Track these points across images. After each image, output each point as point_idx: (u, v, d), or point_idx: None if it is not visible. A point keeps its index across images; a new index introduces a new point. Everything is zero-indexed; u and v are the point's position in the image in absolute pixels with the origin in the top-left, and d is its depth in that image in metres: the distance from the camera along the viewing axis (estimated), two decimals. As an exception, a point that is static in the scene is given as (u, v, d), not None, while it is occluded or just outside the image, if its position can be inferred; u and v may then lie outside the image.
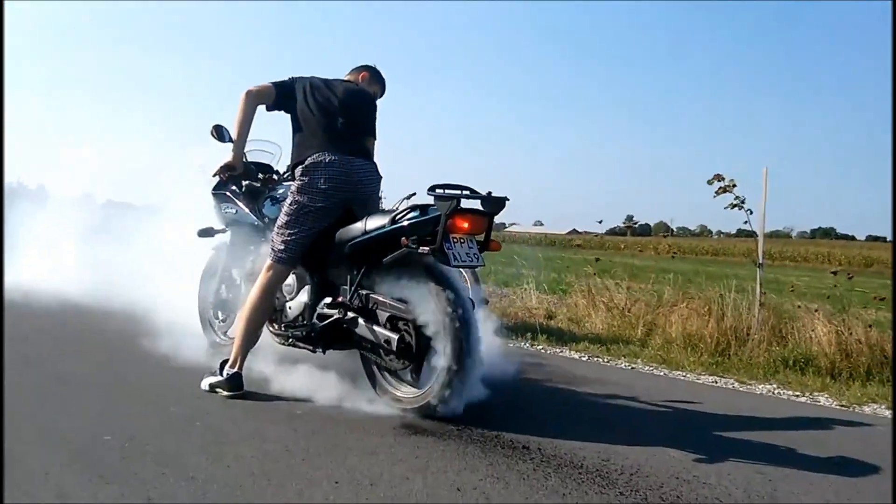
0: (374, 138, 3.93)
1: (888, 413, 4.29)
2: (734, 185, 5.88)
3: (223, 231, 4.52)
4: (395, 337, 3.35)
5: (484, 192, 3.37)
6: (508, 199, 3.45)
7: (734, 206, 5.91)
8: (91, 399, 3.46)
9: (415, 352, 3.35)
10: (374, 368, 3.58)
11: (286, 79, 3.85)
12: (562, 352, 5.74)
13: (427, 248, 3.24)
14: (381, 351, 3.45)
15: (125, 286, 5.73)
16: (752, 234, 6.12)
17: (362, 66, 4.15)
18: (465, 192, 3.30)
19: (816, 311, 5.85)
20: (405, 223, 3.35)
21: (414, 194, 4.49)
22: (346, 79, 4.06)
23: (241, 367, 3.65)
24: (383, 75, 4.20)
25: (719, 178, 5.95)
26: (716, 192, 5.94)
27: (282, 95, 3.80)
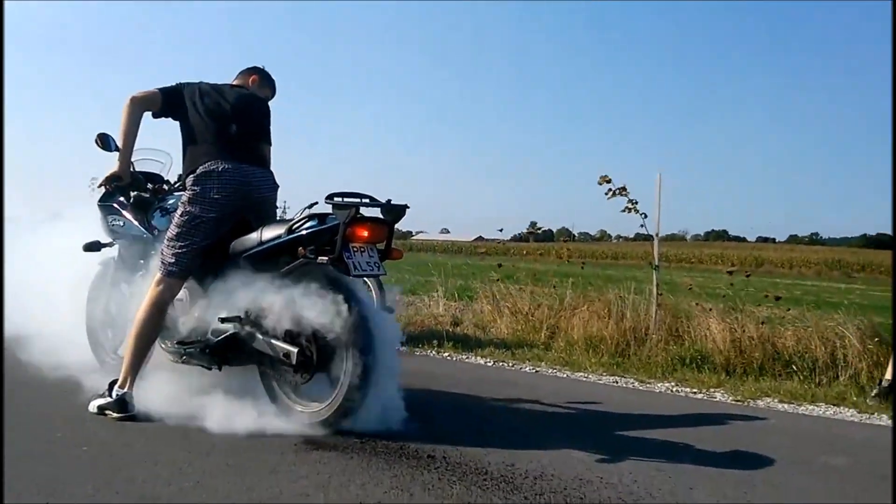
0: (270, 144, 3.82)
1: (781, 406, 4.48)
2: (625, 190, 6.06)
3: (111, 244, 4.30)
4: (294, 350, 3.25)
5: (383, 200, 3.33)
6: (409, 207, 3.41)
7: (628, 209, 6.09)
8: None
9: (315, 365, 3.27)
10: (274, 384, 3.46)
11: (173, 84, 3.69)
12: (468, 358, 5.75)
13: (326, 258, 3.16)
14: (281, 365, 3.35)
15: (7, 304, 5.36)
16: (649, 238, 6.31)
17: (251, 69, 3.98)
18: (364, 200, 3.25)
19: (710, 310, 6.08)
20: (303, 232, 3.27)
21: (316, 203, 4.38)
22: (235, 83, 3.92)
23: (131, 387, 3.46)
24: (273, 77, 4.05)
25: (606, 179, 6.11)
26: (606, 194, 6.11)
27: (169, 102, 3.64)
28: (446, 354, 5.86)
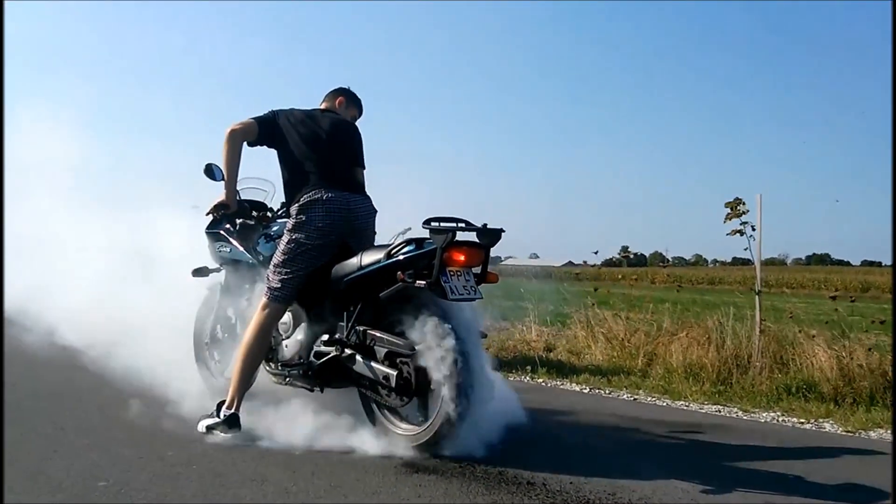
0: (364, 168, 3.91)
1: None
2: (746, 211, 5.83)
3: (217, 270, 4.48)
4: (393, 373, 3.29)
5: (479, 224, 3.35)
6: (504, 231, 3.42)
7: (739, 232, 5.88)
8: (85, 444, 3.37)
9: (414, 388, 3.30)
10: (374, 406, 3.52)
11: (267, 113, 3.80)
12: (562, 384, 5.68)
13: (423, 283, 3.20)
14: (380, 388, 3.40)
15: (119, 331, 5.65)
16: (747, 262, 6.08)
17: (337, 91, 4.06)
18: (460, 225, 3.27)
19: (814, 336, 5.81)
20: (401, 257, 3.32)
21: (409, 229, 4.44)
22: (323, 107, 4.02)
23: (237, 408, 3.58)
24: (359, 96, 4.13)
25: (738, 202, 5.88)
26: (727, 218, 5.91)
27: (265, 131, 3.76)
28: (540, 380, 5.81)
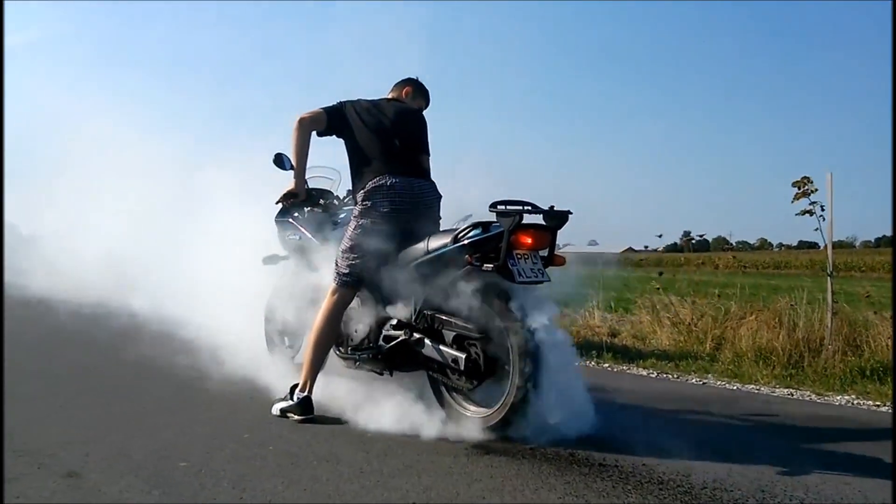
0: (429, 155, 3.94)
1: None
2: (814, 190, 5.67)
3: (287, 258, 4.57)
4: (462, 356, 3.32)
5: (545, 207, 3.34)
6: (571, 213, 3.41)
7: (808, 212, 5.73)
8: (162, 425, 3.50)
9: (483, 370, 3.32)
10: (443, 388, 3.55)
11: (335, 103, 3.87)
12: (629, 369, 5.64)
13: (491, 266, 3.21)
14: (449, 371, 3.43)
15: (193, 316, 5.83)
16: (814, 246, 5.97)
17: (405, 81, 4.11)
18: (526, 208, 3.27)
19: (890, 318, 5.63)
20: (467, 241, 3.34)
21: (470, 215, 4.44)
22: (390, 97, 4.07)
23: (310, 391, 3.67)
24: (426, 87, 4.17)
25: (806, 181, 5.73)
26: (795, 197, 5.76)
27: (333, 121, 3.82)
28: (606, 365, 5.78)
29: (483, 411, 3.37)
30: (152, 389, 4.34)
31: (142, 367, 4.96)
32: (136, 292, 7.27)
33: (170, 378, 4.57)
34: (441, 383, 3.55)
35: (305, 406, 3.61)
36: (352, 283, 3.72)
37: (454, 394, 3.52)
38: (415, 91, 4.09)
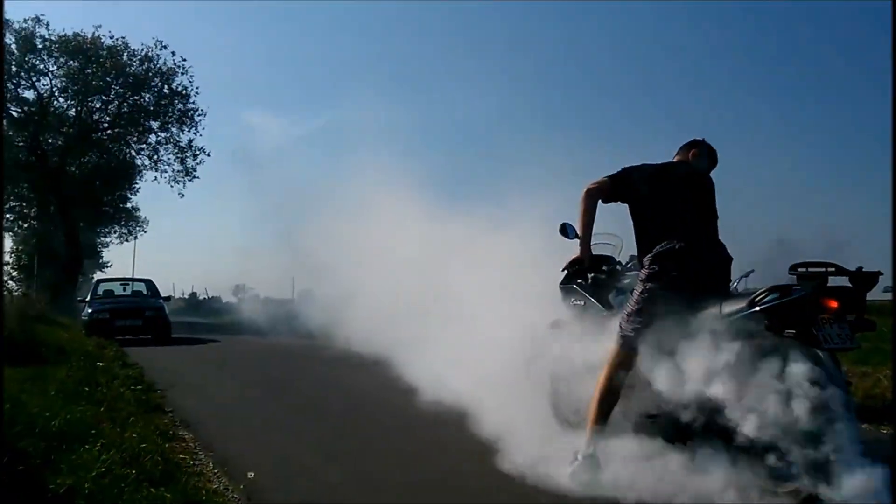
0: (717, 218, 3.88)
1: None
2: None
3: (570, 323, 4.67)
4: None
5: (852, 268, 3.13)
6: (882, 274, 3.16)
7: None
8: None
9: (789, 448, 3.09)
10: (743, 464, 3.34)
11: (619, 171, 3.93)
12: None
13: (793, 332, 3.06)
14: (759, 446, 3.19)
15: (465, 370, 5.96)
16: None
17: (691, 143, 4.08)
18: (830, 269, 3.09)
19: None
20: (766, 305, 3.20)
21: (752, 272, 4.22)
22: (676, 159, 4.08)
23: (594, 450, 3.67)
24: (714, 147, 4.09)
25: None
26: None
27: (619, 188, 3.90)
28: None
29: (790, 485, 3.12)
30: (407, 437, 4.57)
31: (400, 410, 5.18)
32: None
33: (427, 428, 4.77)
34: (742, 458, 3.28)
35: (591, 467, 3.61)
36: (635, 345, 3.70)
37: (758, 470, 3.27)
38: (700, 152, 4.05)
